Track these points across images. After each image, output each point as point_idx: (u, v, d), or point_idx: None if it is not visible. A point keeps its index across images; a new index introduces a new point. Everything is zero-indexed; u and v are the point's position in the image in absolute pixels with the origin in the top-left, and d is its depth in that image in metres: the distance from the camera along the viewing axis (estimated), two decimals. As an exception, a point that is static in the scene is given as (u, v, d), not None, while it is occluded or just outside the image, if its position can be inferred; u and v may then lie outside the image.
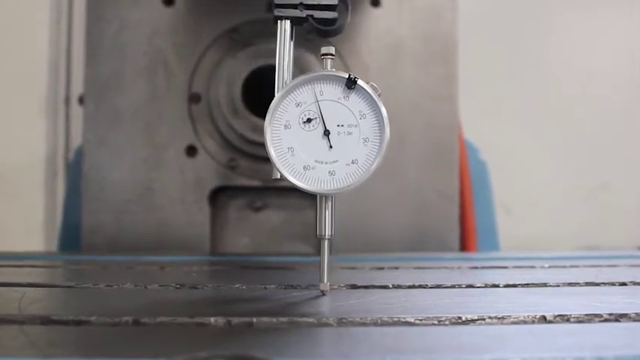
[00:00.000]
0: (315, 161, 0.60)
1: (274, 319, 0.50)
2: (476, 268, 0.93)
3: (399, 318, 0.50)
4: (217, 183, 1.28)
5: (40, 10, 2.26)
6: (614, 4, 2.46)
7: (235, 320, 0.50)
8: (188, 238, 1.26)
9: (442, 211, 1.29)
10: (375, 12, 1.31)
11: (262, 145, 1.21)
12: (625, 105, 2.43)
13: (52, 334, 0.46)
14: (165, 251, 1.24)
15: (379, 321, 0.50)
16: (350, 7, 0.68)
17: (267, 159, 1.24)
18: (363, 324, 0.50)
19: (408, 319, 0.50)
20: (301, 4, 0.66)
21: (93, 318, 0.50)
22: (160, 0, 1.29)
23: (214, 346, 0.42)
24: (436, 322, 0.50)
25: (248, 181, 1.28)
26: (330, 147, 0.60)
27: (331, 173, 0.60)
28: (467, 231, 1.36)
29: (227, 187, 1.29)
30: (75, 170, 1.39)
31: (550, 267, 0.92)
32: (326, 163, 0.60)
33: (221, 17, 1.29)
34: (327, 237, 0.62)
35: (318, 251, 1.24)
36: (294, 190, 1.24)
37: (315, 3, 0.66)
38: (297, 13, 0.66)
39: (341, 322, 0.50)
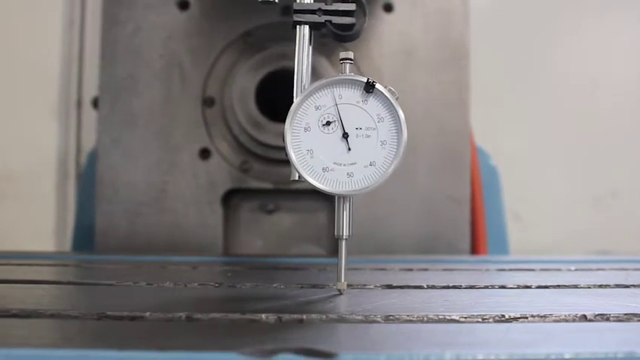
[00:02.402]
0: (334, 163, 0.61)
1: (324, 316, 0.51)
2: (503, 270, 0.94)
3: (444, 316, 0.51)
4: (230, 185, 1.29)
5: (52, 13, 2.28)
6: (624, 10, 2.47)
7: (286, 317, 0.51)
8: (201, 240, 1.27)
9: (453, 216, 1.30)
10: (387, 17, 1.32)
11: (275, 147, 1.25)
12: (635, 112, 2.43)
13: (113, 329, 0.47)
14: (181, 252, 1.25)
15: (425, 318, 0.51)
16: (367, 13, 0.69)
17: (279, 161, 1.27)
18: (410, 321, 0.51)
19: (453, 317, 0.51)
20: (320, 9, 0.68)
21: (147, 314, 0.51)
22: (175, 4, 1.31)
23: (269, 341, 0.42)
24: (480, 319, 0.51)
25: (261, 183, 1.29)
26: (349, 149, 0.61)
27: (349, 175, 0.61)
28: (477, 236, 1.36)
29: (240, 190, 1.30)
30: (88, 173, 1.40)
31: (576, 270, 0.93)
32: (344, 165, 0.61)
33: (235, 21, 1.30)
34: (344, 237, 0.63)
35: (330, 253, 1.26)
36: (307, 193, 1.27)
37: (334, 8, 0.68)
38: (315, 18, 0.67)
39: (388, 319, 0.51)
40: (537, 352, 0.40)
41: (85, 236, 1.35)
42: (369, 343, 0.44)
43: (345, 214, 0.63)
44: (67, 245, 1.69)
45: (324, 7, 0.68)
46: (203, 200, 1.28)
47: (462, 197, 1.31)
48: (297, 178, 0.63)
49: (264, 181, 1.29)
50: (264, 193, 1.30)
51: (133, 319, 0.50)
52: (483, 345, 0.43)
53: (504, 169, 1.53)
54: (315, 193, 0.62)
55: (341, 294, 0.63)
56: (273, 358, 0.38)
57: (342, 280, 0.63)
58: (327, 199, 1.22)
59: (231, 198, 1.30)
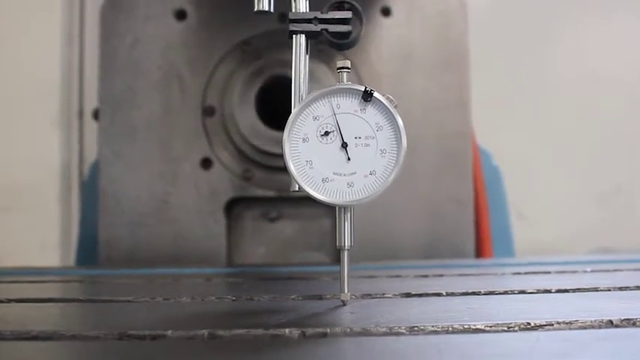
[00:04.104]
0: (334, 173, 0.61)
1: (348, 329, 0.50)
2: (519, 274, 0.93)
3: (469, 325, 0.50)
4: (232, 194, 1.29)
5: (52, 24, 2.28)
6: (625, 6, 2.46)
7: (309, 331, 0.50)
8: (205, 250, 1.27)
9: (457, 218, 1.30)
10: (385, 21, 1.32)
11: (276, 155, 1.25)
12: (637, 108, 2.42)
13: (137, 350, 0.47)
14: (185, 263, 1.25)
15: (450, 329, 0.50)
16: (364, 20, 0.69)
17: (281, 169, 1.27)
18: (435, 332, 0.50)
19: (479, 327, 0.50)
20: (315, 18, 0.67)
21: (169, 332, 0.50)
22: (172, 15, 1.31)
23: (297, 358, 0.42)
24: (506, 328, 0.50)
25: (263, 191, 1.29)
26: (348, 159, 0.61)
27: (350, 185, 0.61)
28: (482, 237, 1.36)
29: (242, 198, 1.30)
30: (90, 185, 1.40)
31: (593, 271, 0.92)
32: (344, 175, 0.61)
33: (233, 30, 1.30)
34: (346, 248, 0.63)
35: (334, 260, 1.26)
36: (309, 200, 1.25)
37: (330, 17, 0.67)
38: (311, 27, 0.67)
39: (413, 331, 0.50)
40: None
41: (89, 248, 1.35)
42: (398, 358, 0.44)
43: (347, 224, 0.62)
44: (72, 257, 1.69)
45: (320, 15, 0.67)
46: (206, 210, 1.28)
47: (464, 198, 1.30)
48: (297, 189, 0.62)
49: (266, 189, 1.29)
50: (266, 201, 1.30)
51: (154, 338, 0.49)
52: (515, 356, 0.42)
53: (507, 168, 1.53)
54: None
55: (344, 305, 0.63)
56: None
57: (346, 291, 0.63)
58: (330, 207, 1.22)
59: (234, 207, 1.30)
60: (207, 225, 1.28)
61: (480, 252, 1.35)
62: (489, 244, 1.38)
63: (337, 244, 0.63)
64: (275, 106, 1.26)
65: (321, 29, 0.67)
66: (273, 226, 1.30)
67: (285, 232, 1.30)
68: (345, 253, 0.63)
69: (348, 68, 0.63)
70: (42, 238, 2.22)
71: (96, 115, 1.34)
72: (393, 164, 0.61)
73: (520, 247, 1.52)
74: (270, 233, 1.30)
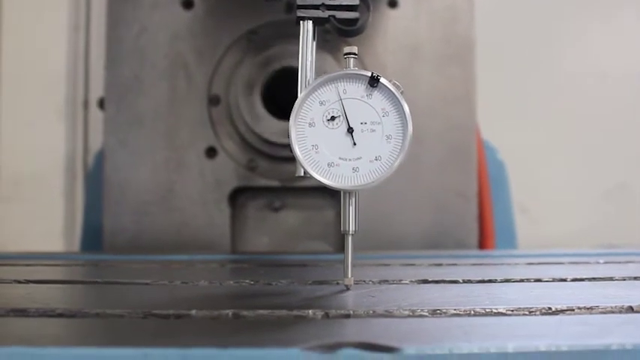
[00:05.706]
0: (339, 158, 0.61)
1: (370, 311, 0.51)
2: (532, 264, 0.93)
3: (490, 309, 0.51)
4: (237, 184, 1.29)
5: (57, 14, 2.28)
6: (632, 7, 2.46)
7: (332, 312, 0.50)
8: (208, 239, 1.27)
9: (461, 211, 1.29)
10: (392, 13, 1.31)
11: (281, 145, 1.25)
12: (642, 105, 2.42)
13: (163, 327, 0.47)
14: (189, 251, 1.25)
15: (472, 312, 0.51)
16: (371, 8, 0.69)
17: (286, 159, 1.27)
18: (458, 315, 0.50)
19: (500, 310, 0.51)
20: (323, 4, 0.67)
21: (193, 312, 0.50)
22: (179, 3, 1.31)
23: (322, 337, 0.42)
24: (527, 312, 0.51)
25: (267, 181, 1.29)
26: (354, 144, 0.61)
27: (355, 170, 0.61)
28: (485, 231, 1.36)
29: (246, 188, 1.30)
30: (96, 173, 1.40)
31: (605, 263, 0.93)
32: (350, 160, 0.61)
33: (240, 19, 1.30)
34: (350, 233, 0.63)
35: (337, 250, 1.26)
36: (313, 190, 1.27)
37: (337, 3, 0.67)
38: (319, 13, 0.67)
39: (435, 313, 0.50)
40: (599, 344, 0.39)
41: (93, 237, 1.36)
42: (425, 337, 0.44)
43: (351, 209, 0.63)
44: (76, 246, 1.70)
45: (327, 2, 0.67)
46: (210, 199, 1.28)
47: (469, 192, 1.30)
48: (302, 174, 0.62)
49: (270, 179, 1.29)
50: (270, 190, 1.30)
51: (179, 317, 0.50)
52: (540, 337, 0.42)
53: (511, 163, 1.52)
54: (322, 191, 0.62)
55: (348, 289, 0.63)
56: (337, 353, 0.38)
57: (349, 276, 0.63)
58: (334, 196, 1.22)
59: (238, 196, 1.30)
60: (211, 214, 1.28)
61: (482, 246, 1.35)
62: (493, 238, 1.38)
63: (342, 228, 0.63)
64: (281, 96, 1.26)
65: (329, 15, 0.67)
66: (277, 215, 1.30)
67: (289, 221, 1.30)
68: (350, 238, 0.63)
69: (355, 54, 0.64)
70: (46, 228, 2.23)
71: (101, 103, 1.34)
72: (398, 150, 0.61)
73: (523, 242, 1.52)
74: (274, 223, 1.30)
